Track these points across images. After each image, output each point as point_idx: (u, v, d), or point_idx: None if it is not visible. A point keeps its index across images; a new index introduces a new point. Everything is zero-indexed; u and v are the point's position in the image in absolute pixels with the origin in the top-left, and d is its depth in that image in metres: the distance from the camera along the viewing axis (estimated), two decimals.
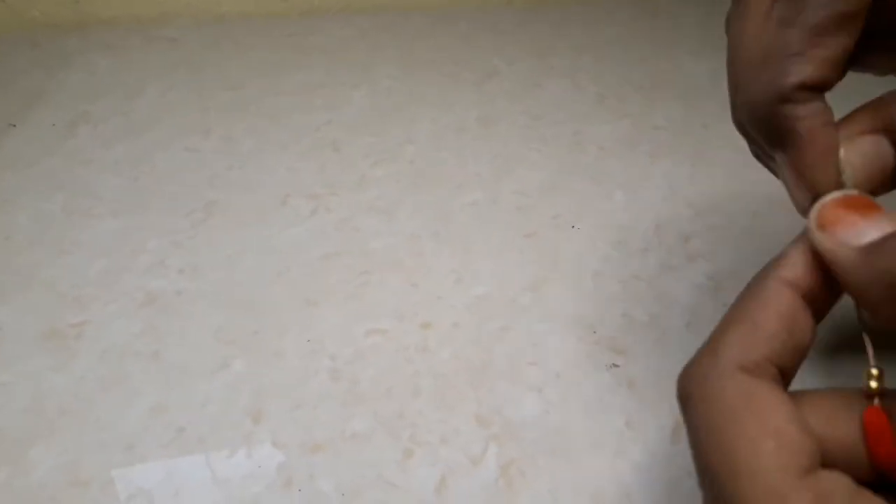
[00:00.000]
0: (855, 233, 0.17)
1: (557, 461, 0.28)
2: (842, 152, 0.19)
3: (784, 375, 0.18)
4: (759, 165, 0.23)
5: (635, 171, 0.44)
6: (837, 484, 0.16)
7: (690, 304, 0.35)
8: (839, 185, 0.19)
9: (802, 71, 0.18)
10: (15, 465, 0.28)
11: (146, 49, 0.56)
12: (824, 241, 0.18)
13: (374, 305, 0.35)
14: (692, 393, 0.18)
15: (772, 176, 0.22)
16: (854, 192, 0.19)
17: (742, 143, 0.23)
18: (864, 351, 0.18)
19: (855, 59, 0.23)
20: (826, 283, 0.18)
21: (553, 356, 0.33)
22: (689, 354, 0.19)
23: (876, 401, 0.17)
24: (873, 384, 0.18)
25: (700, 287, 0.36)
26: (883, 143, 0.19)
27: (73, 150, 0.45)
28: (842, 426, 0.18)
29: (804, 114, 0.19)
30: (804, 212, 0.19)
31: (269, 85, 0.52)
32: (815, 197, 0.19)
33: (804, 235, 0.19)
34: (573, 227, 0.39)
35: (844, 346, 0.32)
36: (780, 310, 0.18)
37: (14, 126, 0.47)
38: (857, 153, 0.19)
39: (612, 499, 0.27)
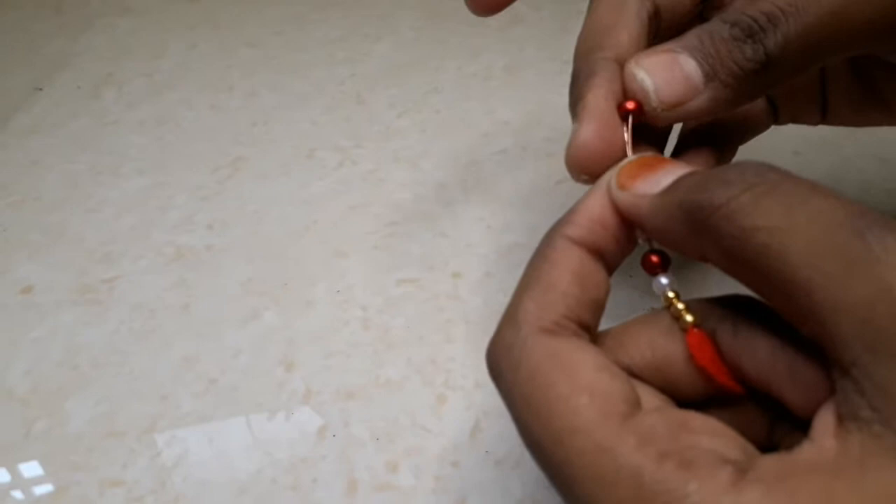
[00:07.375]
0: (652, 183, 0.17)
1: None
2: (641, 73, 0.20)
3: (586, 330, 0.18)
4: None
5: None
6: (659, 419, 0.15)
7: None
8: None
9: None
10: (51, 417, 0.28)
11: (166, 9, 0.55)
12: (625, 199, 0.18)
13: (404, 255, 0.34)
14: (500, 366, 0.17)
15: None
16: (648, 153, 0.19)
17: None
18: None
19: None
20: (614, 237, 0.18)
21: None
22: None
23: (689, 317, 0.17)
24: (681, 306, 0.18)
25: None
26: (681, 57, 0.19)
27: (98, 112, 0.45)
28: (666, 348, 0.18)
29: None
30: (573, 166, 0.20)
31: (290, 40, 0.51)
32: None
33: (589, 193, 0.19)
34: None
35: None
36: (570, 267, 0.18)
37: (41, 90, 0.47)
38: (654, 66, 0.20)
39: None
